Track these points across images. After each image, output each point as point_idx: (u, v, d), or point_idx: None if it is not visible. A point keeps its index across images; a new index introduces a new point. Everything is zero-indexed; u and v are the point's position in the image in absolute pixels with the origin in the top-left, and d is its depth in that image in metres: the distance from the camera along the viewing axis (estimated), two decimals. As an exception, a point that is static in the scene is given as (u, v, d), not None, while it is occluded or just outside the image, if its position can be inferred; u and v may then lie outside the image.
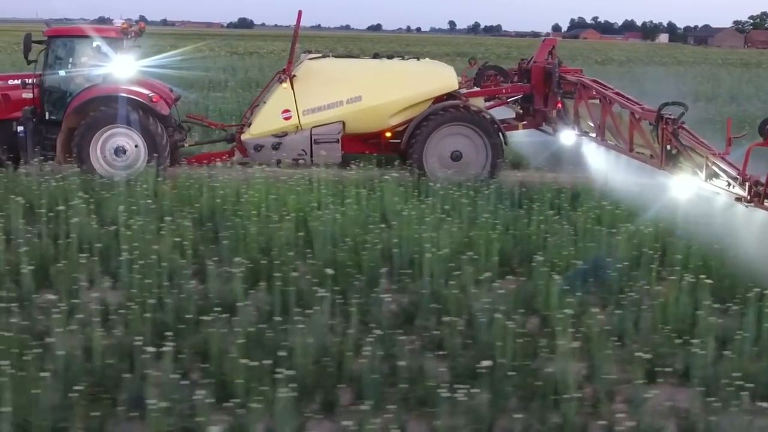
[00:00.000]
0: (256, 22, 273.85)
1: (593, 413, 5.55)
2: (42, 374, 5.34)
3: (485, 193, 10.82)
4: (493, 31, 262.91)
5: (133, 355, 6.00)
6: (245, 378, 5.53)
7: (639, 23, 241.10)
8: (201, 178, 11.31)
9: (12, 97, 12.75)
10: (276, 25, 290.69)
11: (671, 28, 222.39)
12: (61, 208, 9.27)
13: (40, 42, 12.81)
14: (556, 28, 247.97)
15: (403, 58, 14.00)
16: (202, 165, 12.89)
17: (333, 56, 14.33)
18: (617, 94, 11.62)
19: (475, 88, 14.50)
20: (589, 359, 6.19)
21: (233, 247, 8.50)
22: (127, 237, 8.49)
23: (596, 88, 12.05)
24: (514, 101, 14.73)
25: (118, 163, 12.52)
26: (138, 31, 13.72)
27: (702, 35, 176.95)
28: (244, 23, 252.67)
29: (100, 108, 12.41)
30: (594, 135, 12.28)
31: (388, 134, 13.16)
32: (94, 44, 12.86)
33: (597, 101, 12.33)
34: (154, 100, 12.58)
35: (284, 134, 12.77)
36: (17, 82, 12.78)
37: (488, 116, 13.06)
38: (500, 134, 12.97)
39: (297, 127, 12.79)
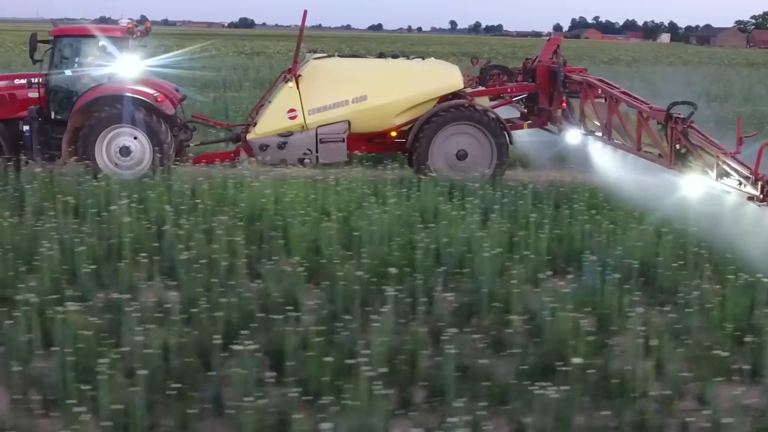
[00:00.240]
0: (257, 21, 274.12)
1: (665, 411, 5.57)
2: (139, 372, 5.37)
3: (523, 193, 10.81)
4: (494, 30, 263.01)
5: (208, 353, 6.04)
6: (331, 376, 5.58)
7: (640, 23, 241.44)
8: (240, 178, 11.36)
9: (18, 96, 12.77)
10: (277, 25, 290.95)
11: (672, 28, 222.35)
12: (113, 207, 9.33)
13: (45, 42, 12.82)
14: (558, 28, 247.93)
15: (408, 58, 14.00)
16: (213, 164, 12.88)
17: (338, 56, 14.32)
18: (624, 93, 11.62)
19: (480, 88, 14.49)
20: (655, 358, 6.15)
21: (282, 247, 8.53)
22: (179, 237, 8.49)
23: (602, 88, 12.04)
24: (519, 100, 14.74)
25: (124, 163, 12.52)
26: (144, 31, 13.73)
27: (704, 35, 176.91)
28: (245, 23, 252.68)
29: (106, 108, 12.41)
30: (600, 134, 12.27)
31: (394, 134, 13.15)
32: (100, 44, 12.85)
33: (603, 100, 12.33)
34: (159, 99, 12.58)
35: (290, 134, 12.77)
36: (23, 81, 12.80)
37: (493, 115, 13.05)
38: (505, 133, 12.97)
39: (302, 126, 12.78)
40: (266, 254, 8.37)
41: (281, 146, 12.73)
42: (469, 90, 13.93)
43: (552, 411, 5.18)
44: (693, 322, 6.75)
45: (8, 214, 9.31)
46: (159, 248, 8.48)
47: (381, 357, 5.84)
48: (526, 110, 14.65)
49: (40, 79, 12.68)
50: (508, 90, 14.28)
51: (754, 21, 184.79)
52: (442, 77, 13.40)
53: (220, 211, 9.80)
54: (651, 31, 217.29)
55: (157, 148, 12.38)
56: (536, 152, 14.50)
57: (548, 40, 14.71)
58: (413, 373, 5.93)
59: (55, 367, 5.72)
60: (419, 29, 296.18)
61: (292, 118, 12.78)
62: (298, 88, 12.79)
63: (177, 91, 13.69)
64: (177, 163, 12.89)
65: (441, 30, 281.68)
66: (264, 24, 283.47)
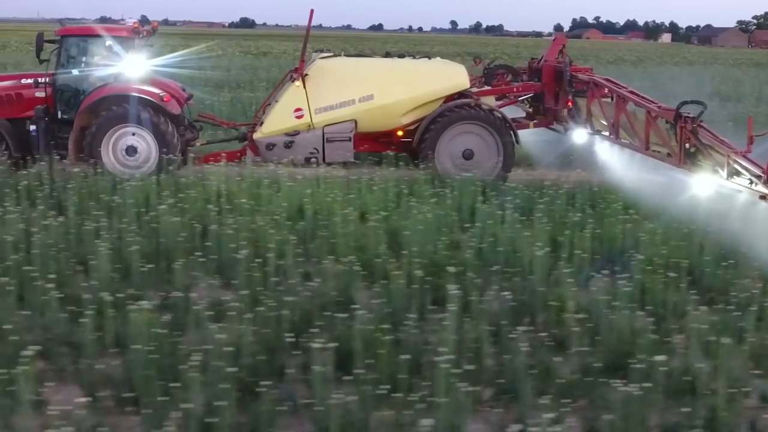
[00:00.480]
0: (258, 21, 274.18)
1: (734, 409, 5.58)
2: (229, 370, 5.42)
3: (558, 193, 10.80)
4: (495, 30, 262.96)
5: (277, 351, 6.09)
6: (406, 373, 5.60)
7: (641, 23, 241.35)
8: (276, 177, 11.41)
9: (25, 96, 12.79)
10: (277, 25, 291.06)
11: (673, 28, 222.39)
12: (163, 206, 9.32)
13: (52, 41, 12.83)
14: (558, 28, 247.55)
15: (414, 58, 14.00)
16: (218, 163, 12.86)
17: (345, 55, 14.31)
18: (631, 92, 11.62)
19: (486, 87, 14.50)
20: (718, 356, 6.16)
21: (328, 247, 8.57)
22: (228, 236, 8.49)
23: (610, 87, 12.04)
24: (524, 100, 14.73)
25: (130, 162, 12.52)
26: (150, 31, 13.74)
27: (705, 35, 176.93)
28: (246, 23, 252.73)
29: (112, 107, 12.42)
30: (607, 133, 12.27)
31: (400, 133, 13.16)
32: (107, 43, 12.88)
33: (609, 100, 12.34)
34: (165, 99, 12.59)
35: (296, 133, 12.77)
36: (30, 81, 12.80)
37: (500, 115, 13.06)
38: (512, 133, 12.97)
39: (309, 125, 12.79)
40: (313, 254, 8.38)
41: (288, 145, 12.73)
42: (475, 89, 13.92)
43: (631, 408, 5.23)
44: (749, 320, 6.76)
45: (54, 213, 9.34)
46: (203, 247, 8.46)
47: (449, 356, 5.82)
48: (531, 110, 14.65)
49: (47, 79, 12.70)
50: (514, 89, 14.28)
51: (755, 21, 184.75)
52: (449, 77, 13.41)
53: (259, 211, 9.77)
54: (652, 31, 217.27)
55: (163, 147, 12.39)
56: (553, 152, 14.46)
57: (554, 39, 14.70)
58: (481, 370, 5.94)
59: (132, 365, 5.75)
60: (420, 29, 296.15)
61: (298, 117, 12.78)
62: (304, 87, 12.79)
63: (183, 90, 13.69)
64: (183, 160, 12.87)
65: (441, 30, 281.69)
66: (264, 24, 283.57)
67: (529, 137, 14.27)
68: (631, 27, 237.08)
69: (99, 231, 8.57)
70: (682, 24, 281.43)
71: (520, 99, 14.57)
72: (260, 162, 12.73)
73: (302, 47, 13.35)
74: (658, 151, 10.72)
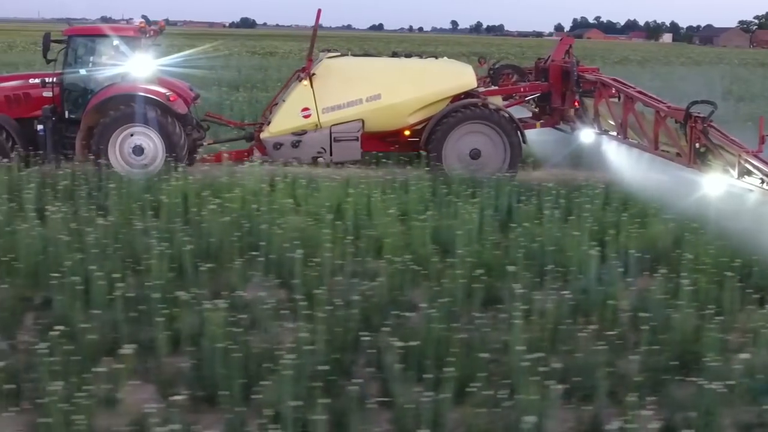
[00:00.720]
0: (258, 21, 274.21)
1: None
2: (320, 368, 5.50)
3: (595, 193, 10.78)
4: (496, 30, 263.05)
5: (347, 349, 6.13)
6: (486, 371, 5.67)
7: (642, 23, 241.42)
8: (315, 177, 11.45)
9: (32, 95, 12.80)
10: (277, 25, 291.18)
11: (674, 28, 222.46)
12: (213, 206, 9.34)
13: (59, 41, 12.83)
14: (559, 28, 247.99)
15: (421, 57, 14.00)
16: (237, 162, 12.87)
17: (352, 55, 14.31)
18: (640, 92, 11.62)
19: (493, 87, 14.49)
20: None
21: (374, 246, 8.60)
22: (279, 235, 8.49)
23: (618, 87, 12.05)
24: (530, 100, 14.74)
25: (137, 162, 12.52)
26: (158, 30, 13.73)
27: (706, 35, 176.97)
28: (246, 23, 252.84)
29: (119, 107, 12.41)
30: (614, 133, 12.27)
31: (407, 132, 13.17)
32: (114, 43, 12.87)
33: (617, 100, 12.34)
34: (171, 99, 12.57)
35: (304, 132, 12.77)
36: (37, 81, 12.80)
37: (507, 114, 13.06)
38: (519, 133, 12.96)
39: (316, 125, 12.79)
40: (360, 253, 8.37)
41: (295, 145, 12.73)
42: (482, 89, 13.92)
43: (710, 406, 5.27)
44: None
45: (102, 213, 9.38)
46: (255, 246, 8.43)
47: (517, 355, 5.89)
48: (537, 110, 14.65)
49: (54, 79, 12.70)
50: (521, 89, 14.28)
51: (757, 21, 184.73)
52: (456, 76, 13.41)
53: (300, 211, 9.79)
54: (653, 31, 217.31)
55: (169, 147, 12.38)
56: (567, 152, 14.43)
57: (561, 40, 14.70)
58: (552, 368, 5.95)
59: (209, 364, 5.78)
60: (420, 29, 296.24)
61: (306, 116, 12.78)
62: (312, 86, 12.79)
63: (191, 90, 13.69)
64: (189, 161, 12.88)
65: (442, 30, 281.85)
66: (265, 24, 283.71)
67: (542, 137, 14.26)
68: (631, 27, 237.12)
69: (149, 230, 8.59)
70: (683, 24, 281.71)
71: (526, 99, 14.57)
72: (293, 162, 12.71)
73: (309, 47, 13.35)
74: (667, 151, 10.72)
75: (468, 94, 13.28)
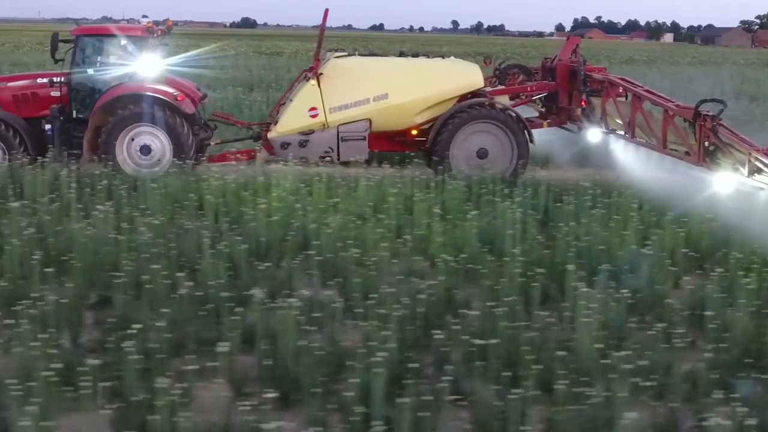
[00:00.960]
0: (259, 21, 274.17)
1: None
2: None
3: (629, 192, 10.77)
4: (496, 30, 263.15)
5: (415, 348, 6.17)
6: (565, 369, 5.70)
7: (642, 23, 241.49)
8: (348, 177, 11.51)
9: (40, 95, 12.85)
10: (278, 25, 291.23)
11: (674, 28, 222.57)
12: (262, 205, 9.32)
13: (67, 41, 12.85)
14: (560, 28, 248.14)
15: (428, 57, 14.02)
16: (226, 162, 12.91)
17: (359, 55, 14.32)
18: (648, 91, 11.63)
19: (500, 86, 14.50)
20: None
21: (420, 245, 8.63)
22: (329, 235, 8.52)
23: (626, 86, 12.06)
24: (536, 100, 14.74)
25: (144, 162, 12.54)
26: (165, 30, 13.76)
27: (708, 35, 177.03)
28: (247, 23, 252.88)
29: (126, 106, 12.43)
30: (622, 132, 12.28)
31: (414, 132, 13.17)
32: (121, 43, 12.90)
33: (624, 99, 12.35)
34: (179, 98, 12.60)
35: (311, 132, 12.77)
36: (45, 80, 12.83)
37: (514, 114, 13.06)
38: (526, 132, 12.97)
39: (324, 124, 12.79)
40: (410, 252, 8.35)
41: (302, 144, 12.74)
42: (489, 89, 13.92)
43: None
44: None
45: (149, 213, 9.41)
46: (308, 246, 8.46)
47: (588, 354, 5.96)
48: (544, 109, 14.66)
49: (62, 78, 12.72)
50: (528, 89, 14.28)
51: (758, 21, 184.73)
52: (463, 76, 13.42)
53: (341, 210, 9.78)
54: (654, 31, 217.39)
55: (177, 147, 12.40)
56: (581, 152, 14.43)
57: (567, 39, 14.72)
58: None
59: (285, 362, 5.82)
60: (421, 29, 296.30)
61: (313, 116, 12.79)
62: (319, 86, 12.80)
63: (198, 89, 13.71)
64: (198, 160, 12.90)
65: (443, 30, 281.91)
66: (265, 24, 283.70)
67: (549, 136, 14.27)
68: (632, 27, 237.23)
69: (199, 230, 8.62)
70: (684, 24, 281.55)
71: (533, 98, 14.59)
72: (330, 162, 12.77)
73: (316, 47, 13.36)
74: (676, 150, 10.74)
75: (475, 93, 13.28)
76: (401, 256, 8.17)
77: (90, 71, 12.89)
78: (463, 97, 13.16)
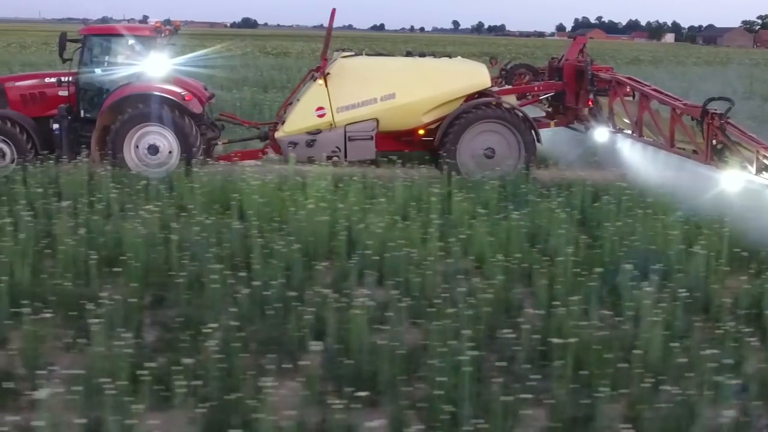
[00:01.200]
0: (259, 21, 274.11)
1: None
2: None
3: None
4: (497, 30, 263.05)
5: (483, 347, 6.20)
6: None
7: (643, 23, 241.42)
8: (381, 177, 11.52)
9: (48, 94, 12.89)
10: (278, 25, 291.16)
11: (675, 28, 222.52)
12: (311, 206, 9.33)
13: (75, 41, 12.88)
14: (561, 28, 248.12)
15: (435, 57, 14.04)
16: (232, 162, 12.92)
17: (366, 54, 14.34)
18: (655, 90, 11.65)
19: (506, 86, 14.52)
20: None
21: (465, 245, 8.64)
22: (378, 234, 8.53)
23: (633, 85, 12.08)
24: (543, 100, 14.76)
25: (152, 161, 12.57)
26: (172, 30, 13.79)
27: (709, 35, 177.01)
28: (248, 23, 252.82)
29: (134, 106, 12.46)
30: (629, 131, 12.30)
31: (421, 131, 13.18)
32: (129, 43, 12.94)
33: (631, 98, 12.37)
34: (186, 98, 12.63)
35: (318, 131, 12.79)
36: (53, 80, 12.87)
37: (521, 114, 13.08)
38: (533, 132, 12.99)
39: (331, 124, 12.81)
40: (457, 252, 8.34)
41: (310, 144, 12.75)
42: (496, 88, 13.94)
43: None
44: None
45: (194, 212, 9.43)
46: (350, 244, 8.50)
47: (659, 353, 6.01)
48: (550, 109, 14.68)
49: (70, 78, 12.76)
50: (535, 88, 14.30)
51: (760, 21, 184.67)
52: (470, 76, 13.43)
53: (380, 211, 9.77)
54: (655, 31, 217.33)
55: (184, 146, 12.43)
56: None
57: (574, 38, 14.72)
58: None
59: (360, 361, 5.88)
60: (422, 29, 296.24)
61: (320, 116, 12.80)
62: (326, 86, 12.81)
63: (206, 89, 13.74)
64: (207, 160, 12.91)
65: (443, 30, 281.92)
66: (266, 24, 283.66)
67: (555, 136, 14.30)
68: (633, 27, 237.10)
69: (250, 230, 8.63)
70: (685, 24, 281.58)
71: (540, 98, 14.60)
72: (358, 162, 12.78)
73: (323, 46, 13.38)
74: (684, 149, 10.76)
75: (482, 93, 13.31)
76: (451, 255, 8.16)
77: (98, 71, 12.95)
78: (470, 97, 13.18)
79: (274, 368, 5.69)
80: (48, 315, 6.49)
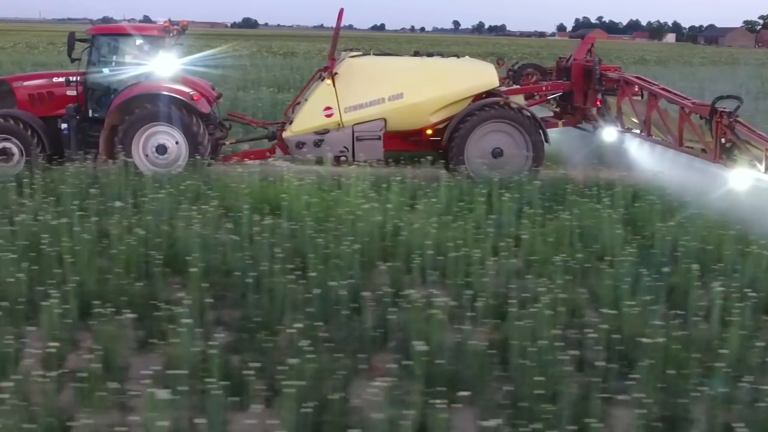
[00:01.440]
0: (260, 22, 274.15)
1: None
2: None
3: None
4: (498, 30, 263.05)
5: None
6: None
7: (644, 23, 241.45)
8: (416, 177, 11.52)
9: (56, 94, 12.90)
10: (279, 25, 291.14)
11: (676, 28, 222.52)
12: (365, 206, 9.35)
13: (83, 40, 12.89)
14: (561, 28, 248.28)
15: (442, 56, 14.04)
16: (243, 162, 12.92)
17: (373, 54, 14.35)
18: (663, 89, 11.66)
19: (514, 86, 14.53)
20: None
21: (518, 245, 8.66)
22: (433, 234, 8.54)
23: (642, 84, 12.09)
24: (551, 100, 14.76)
25: (160, 161, 12.58)
26: (180, 30, 13.79)
27: (711, 35, 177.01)
28: (249, 23, 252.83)
29: (143, 106, 12.47)
30: (638, 131, 12.31)
31: (429, 131, 13.18)
32: (137, 42, 12.95)
33: (640, 97, 12.38)
34: (194, 98, 12.64)
35: (326, 131, 12.79)
36: (61, 79, 12.88)
37: (529, 113, 13.08)
38: (541, 131, 12.99)
39: (339, 124, 12.81)
40: (509, 253, 8.30)
41: (318, 144, 12.76)
42: (503, 88, 13.95)
43: None
44: None
45: (232, 214, 9.44)
46: (397, 244, 8.49)
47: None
48: (558, 109, 14.68)
49: (78, 78, 12.77)
50: (543, 88, 14.30)
51: (761, 21, 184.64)
52: (478, 75, 13.43)
53: (428, 212, 9.77)
54: (655, 31, 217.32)
55: (193, 146, 12.44)
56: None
57: (583, 38, 14.74)
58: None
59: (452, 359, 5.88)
60: (422, 29, 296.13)
61: (328, 116, 12.81)
62: (334, 86, 12.82)
63: (213, 89, 13.75)
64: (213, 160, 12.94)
65: (444, 30, 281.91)
66: (266, 24, 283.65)
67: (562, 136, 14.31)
68: (634, 27, 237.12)
69: (306, 230, 8.63)
70: (685, 24, 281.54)
71: (548, 98, 14.61)
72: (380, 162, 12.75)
73: (331, 46, 13.39)
74: (692, 147, 10.77)
75: (490, 93, 13.31)
76: (508, 255, 8.13)
77: (106, 71, 12.94)
78: (478, 97, 13.18)
79: (366, 368, 5.74)
80: (129, 315, 6.45)
